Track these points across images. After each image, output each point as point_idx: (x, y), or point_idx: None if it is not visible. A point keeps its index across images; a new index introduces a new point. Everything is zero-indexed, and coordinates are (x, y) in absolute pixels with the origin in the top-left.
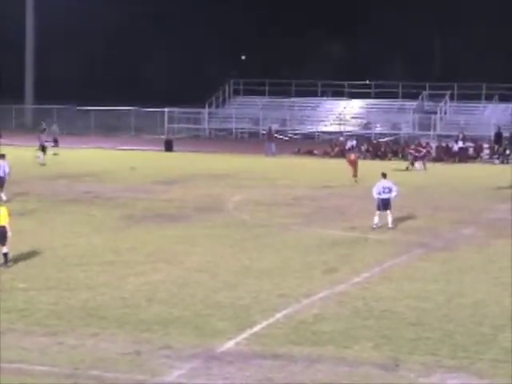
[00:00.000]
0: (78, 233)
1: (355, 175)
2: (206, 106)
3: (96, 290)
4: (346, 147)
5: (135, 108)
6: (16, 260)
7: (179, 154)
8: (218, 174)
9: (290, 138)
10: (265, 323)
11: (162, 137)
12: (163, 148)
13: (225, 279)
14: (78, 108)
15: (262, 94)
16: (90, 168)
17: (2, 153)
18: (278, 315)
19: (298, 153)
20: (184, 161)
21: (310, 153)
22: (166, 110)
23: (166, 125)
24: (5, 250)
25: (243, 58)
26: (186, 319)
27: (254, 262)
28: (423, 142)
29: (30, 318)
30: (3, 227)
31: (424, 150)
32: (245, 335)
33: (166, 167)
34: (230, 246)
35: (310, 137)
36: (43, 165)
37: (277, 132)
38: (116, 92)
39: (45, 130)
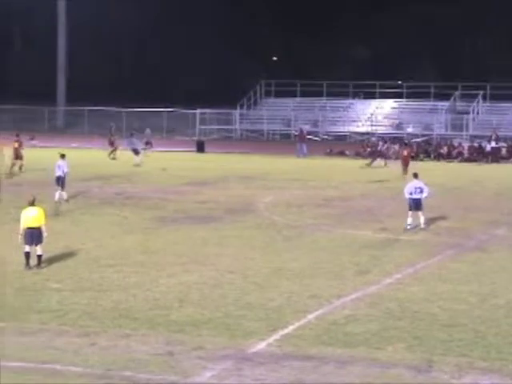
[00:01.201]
0: (110, 234)
1: (405, 172)
2: (238, 107)
3: (128, 291)
4: (378, 148)
5: (166, 109)
6: (50, 261)
7: (211, 155)
8: (250, 175)
9: (321, 138)
10: (296, 324)
11: (194, 138)
12: (195, 149)
13: (256, 280)
14: (109, 109)
15: (293, 95)
16: (122, 169)
17: (63, 153)
18: (310, 316)
19: (330, 154)
20: (215, 162)
21: (341, 154)
22: (197, 111)
23: (197, 126)
24: (39, 251)
25: (274, 59)
26: (218, 320)
27: (285, 263)
28: (455, 142)
29: (62, 318)
30: (39, 228)
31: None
32: (276, 336)
33: (197, 168)
34: (261, 247)
35: (341, 138)
36: (138, 165)
37: (308, 133)
38: (147, 93)
39: (133, 134)
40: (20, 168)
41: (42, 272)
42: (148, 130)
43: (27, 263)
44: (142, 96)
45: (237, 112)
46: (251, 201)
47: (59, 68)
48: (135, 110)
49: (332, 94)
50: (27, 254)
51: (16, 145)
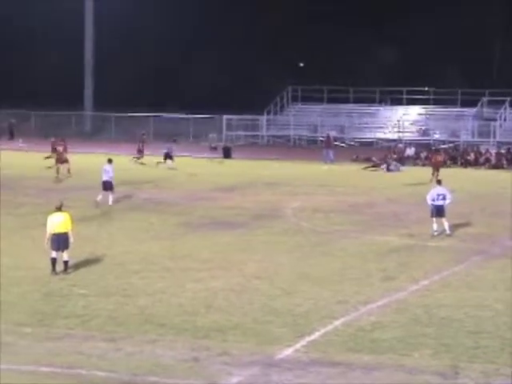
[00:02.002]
0: (136, 240)
1: (437, 177)
2: (265, 113)
3: (154, 297)
4: (405, 154)
5: (193, 116)
6: (76, 266)
7: (237, 161)
8: (276, 181)
9: (348, 145)
10: (323, 330)
11: (221, 144)
12: (222, 155)
13: (283, 286)
14: (136, 115)
15: (320, 100)
16: (149, 175)
17: (110, 157)
18: (337, 322)
19: (356, 160)
20: (242, 168)
21: (368, 160)
22: (224, 116)
23: (224, 132)
24: (65, 257)
25: (301, 64)
26: (245, 326)
27: (312, 269)
28: (482, 149)
29: (88, 323)
30: (65, 234)
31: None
32: (303, 342)
33: (224, 174)
34: (288, 252)
35: (368, 144)
36: (173, 168)
37: (335, 139)
38: (174, 99)
39: (175, 140)
40: (68, 171)
41: (68, 277)
42: (171, 143)
43: (53, 269)
44: (170, 101)
45: (263, 118)
46: (278, 207)
47: (86, 73)
48: (162, 115)
49: (359, 100)
50: (53, 260)
51: (61, 149)
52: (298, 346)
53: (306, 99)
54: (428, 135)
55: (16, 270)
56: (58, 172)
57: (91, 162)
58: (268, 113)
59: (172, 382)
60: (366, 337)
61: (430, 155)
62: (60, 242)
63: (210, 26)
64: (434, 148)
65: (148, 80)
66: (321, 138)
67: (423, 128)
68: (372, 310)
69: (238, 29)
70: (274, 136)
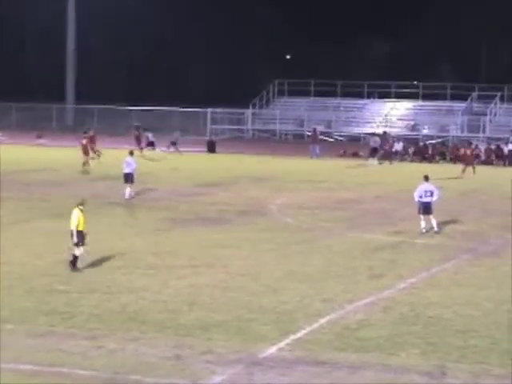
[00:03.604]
0: (119, 235)
1: (473, 170)
2: (250, 106)
3: (137, 294)
4: (393, 149)
5: (177, 108)
6: (57, 262)
7: (222, 156)
8: (262, 176)
9: (335, 139)
10: (308, 329)
11: (205, 138)
12: (206, 149)
13: (268, 283)
14: (118, 108)
15: (306, 94)
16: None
17: (131, 150)
18: (322, 321)
19: (344, 155)
20: (227, 162)
21: (355, 155)
22: (208, 110)
23: (208, 125)
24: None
25: (288, 57)
26: (228, 324)
27: (297, 267)
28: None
29: (70, 320)
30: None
31: None
32: (288, 340)
33: (208, 169)
34: (273, 249)
35: (355, 139)
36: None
37: (322, 134)
38: (157, 92)
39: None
40: (84, 164)
41: (50, 273)
42: (178, 133)
43: (74, 266)
44: (153, 95)
45: (249, 111)
46: (263, 203)
47: (68, 66)
48: (145, 108)
49: (346, 94)
50: (76, 258)
51: (84, 141)
52: (282, 344)
53: (293, 93)
54: (417, 130)
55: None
56: (84, 165)
57: (71, 155)
58: (253, 106)
59: (154, 381)
60: (352, 335)
61: (457, 150)
62: (80, 238)
63: (197, 19)
64: (469, 142)
65: (132, 73)
66: (307, 133)
67: (412, 123)
68: (358, 308)
69: (224, 22)
70: (259, 130)
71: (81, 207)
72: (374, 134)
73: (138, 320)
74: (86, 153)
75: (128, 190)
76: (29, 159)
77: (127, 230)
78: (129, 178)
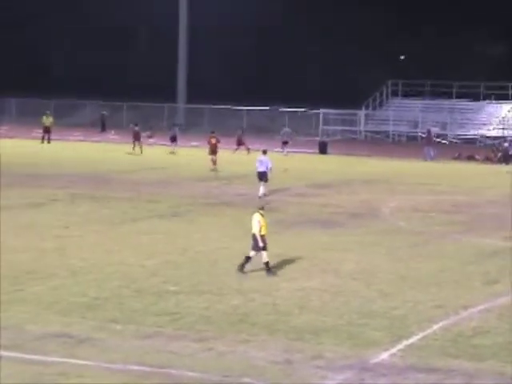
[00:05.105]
0: (230, 236)
1: None
2: (363, 107)
3: (247, 296)
4: (510, 153)
5: (288, 109)
6: (167, 262)
7: (333, 157)
8: (374, 178)
9: (450, 142)
10: (421, 334)
11: (317, 138)
12: (317, 150)
13: (380, 288)
14: (229, 108)
15: (421, 95)
16: (243, 170)
17: (264, 149)
18: (435, 327)
19: (459, 158)
20: (338, 164)
21: (471, 158)
22: (321, 111)
23: (320, 126)
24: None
25: (402, 57)
26: (340, 328)
27: (410, 271)
28: None
29: (179, 322)
30: (263, 236)
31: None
32: (400, 346)
33: (319, 170)
34: (385, 253)
35: (471, 141)
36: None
37: (436, 136)
38: (269, 92)
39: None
40: (214, 163)
41: (159, 274)
42: (287, 129)
43: (243, 266)
44: (265, 95)
45: (362, 112)
46: (375, 205)
47: (180, 65)
48: (257, 108)
49: (462, 95)
50: (249, 259)
51: (213, 141)
52: (394, 350)
53: (407, 94)
54: None
55: (107, 266)
56: (214, 163)
57: (183, 155)
58: (366, 107)
59: None
60: (467, 342)
61: None
62: (252, 241)
63: (309, 20)
64: None
65: (243, 73)
66: (421, 135)
67: None
68: (473, 314)
69: (336, 22)
70: (372, 132)
71: (261, 211)
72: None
73: (248, 322)
74: (213, 152)
75: (261, 188)
76: (136, 158)
77: (237, 231)
78: (263, 176)
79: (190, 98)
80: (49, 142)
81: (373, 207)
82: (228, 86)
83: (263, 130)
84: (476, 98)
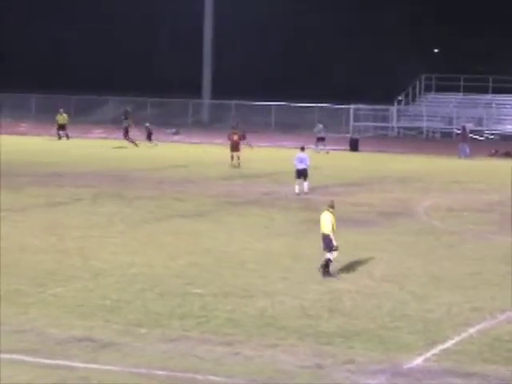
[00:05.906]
0: (255, 236)
1: None
2: (395, 103)
3: (274, 298)
4: None
5: (317, 104)
6: (190, 264)
7: (365, 154)
8: (407, 176)
9: (486, 138)
10: (457, 339)
11: (347, 135)
12: (348, 147)
13: (413, 290)
14: (257, 104)
15: (456, 90)
16: (270, 168)
17: (302, 146)
18: (472, 330)
19: (495, 155)
20: (370, 161)
21: (508, 155)
22: (351, 106)
23: (351, 123)
24: (328, 255)
25: (436, 51)
26: (371, 332)
27: (444, 273)
28: None
29: (205, 325)
30: (328, 236)
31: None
32: (435, 351)
33: (350, 168)
34: (419, 254)
35: (508, 138)
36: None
37: (472, 132)
38: (297, 88)
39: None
40: (237, 159)
41: (183, 276)
42: (320, 126)
43: (327, 271)
44: (293, 90)
45: (394, 108)
46: (408, 204)
47: (205, 61)
48: (285, 104)
49: (498, 90)
50: (329, 261)
51: (235, 137)
52: (428, 354)
53: (441, 88)
54: None
55: (130, 267)
56: (232, 159)
57: (207, 152)
58: (399, 103)
59: None
60: (504, 347)
61: None
62: (325, 242)
63: (340, 12)
64: None
65: (270, 69)
66: (456, 131)
67: None
68: (510, 317)
69: (369, 15)
70: (405, 128)
71: (331, 210)
72: None
73: (276, 326)
74: (236, 149)
75: (298, 186)
76: (162, 156)
77: (263, 231)
78: (303, 174)
79: (216, 94)
80: (67, 139)
81: (406, 206)
82: (253, 81)
83: (293, 127)
84: None
